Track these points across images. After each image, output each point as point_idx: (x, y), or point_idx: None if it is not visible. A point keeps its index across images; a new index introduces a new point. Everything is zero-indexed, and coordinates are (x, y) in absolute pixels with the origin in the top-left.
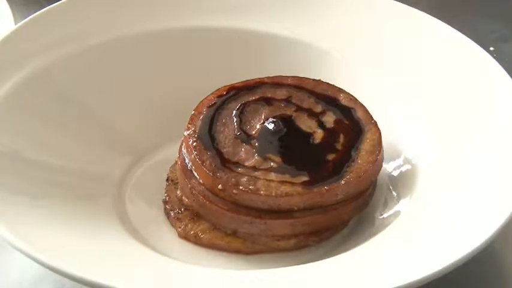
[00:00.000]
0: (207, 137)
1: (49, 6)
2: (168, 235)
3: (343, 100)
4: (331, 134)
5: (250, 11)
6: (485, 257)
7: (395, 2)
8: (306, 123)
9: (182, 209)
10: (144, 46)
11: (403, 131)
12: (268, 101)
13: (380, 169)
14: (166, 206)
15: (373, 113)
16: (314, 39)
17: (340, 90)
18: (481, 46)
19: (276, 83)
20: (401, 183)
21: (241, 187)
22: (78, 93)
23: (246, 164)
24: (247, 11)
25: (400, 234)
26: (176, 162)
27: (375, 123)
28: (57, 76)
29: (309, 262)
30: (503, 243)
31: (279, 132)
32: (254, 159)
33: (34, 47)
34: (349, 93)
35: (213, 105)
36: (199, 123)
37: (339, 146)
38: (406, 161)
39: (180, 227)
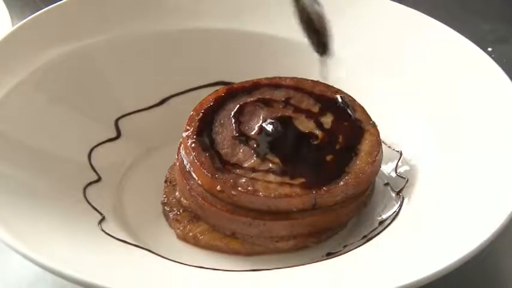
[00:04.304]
0: (206, 138)
1: (46, 8)
2: (166, 236)
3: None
4: (329, 135)
5: (249, 12)
6: (485, 257)
7: (394, 2)
8: (304, 124)
9: (181, 211)
10: (143, 47)
11: (401, 131)
12: (266, 102)
13: (379, 170)
14: (165, 208)
15: (371, 113)
16: None
17: (339, 91)
18: (479, 47)
19: (274, 84)
20: (400, 183)
21: (240, 188)
22: (75, 94)
23: (245, 165)
24: (246, 12)
25: (399, 235)
26: (175, 164)
27: (374, 124)
28: (54, 77)
29: (307, 263)
30: (503, 243)
31: (277, 133)
32: (253, 161)
33: (32, 48)
34: (347, 94)
35: (211, 106)
36: (197, 124)
37: (337, 147)
38: (405, 161)
39: (178, 228)
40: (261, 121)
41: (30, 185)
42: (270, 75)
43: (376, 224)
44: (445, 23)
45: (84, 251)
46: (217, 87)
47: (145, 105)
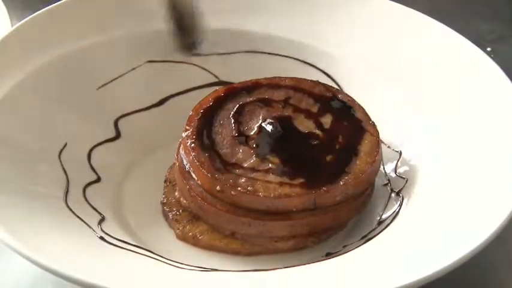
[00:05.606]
0: (205, 138)
1: (45, 8)
2: (166, 237)
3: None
4: (329, 135)
5: (249, 12)
6: (484, 257)
7: (394, 2)
8: (304, 124)
9: (180, 211)
10: (142, 47)
11: (401, 131)
12: (266, 102)
13: (378, 170)
14: (165, 208)
15: (371, 113)
16: (313, 40)
17: (338, 91)
18: (478, 46)
19: (274, 84)
20: (400, 183)
21: (239, 188)
22: (75, 94)
23: (245, 165)
24: (246, 12)
25: (398, 235)
26: (174, 164)
27: (373, 124)
28: (53, 77)
29: (307, 263)
30: (503, 243)
31: (277, 133)
32: (252, 161)
33: (31, 48)
34: (347, 94)
35: (210, 106)
36: (197, 124)
37: (337, 147)
38: (405, 161)
39: (178, 229)
40: (260, 121)
41: (29, 185)
42: (270, 75)
43: (376, 224)
44: (445, 23)
45: (84, 251)
46: (216, 87)
47: (144, 106)
